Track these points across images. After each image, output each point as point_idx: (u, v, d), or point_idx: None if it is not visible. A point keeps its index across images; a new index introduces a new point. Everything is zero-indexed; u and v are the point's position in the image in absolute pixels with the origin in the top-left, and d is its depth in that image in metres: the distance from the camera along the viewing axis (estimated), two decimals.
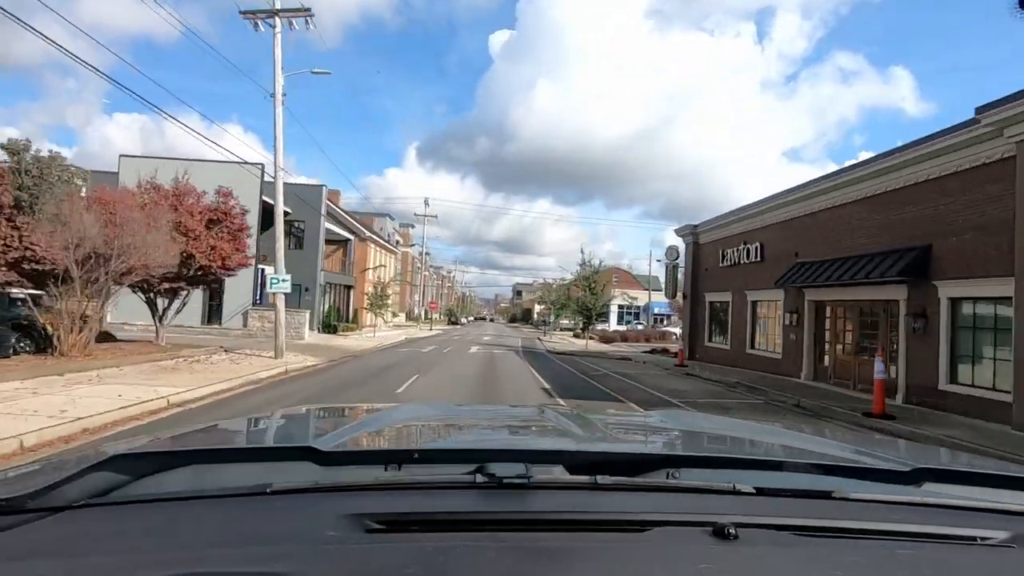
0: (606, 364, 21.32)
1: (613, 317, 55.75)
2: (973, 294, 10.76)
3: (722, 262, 21.49)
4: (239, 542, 0.83)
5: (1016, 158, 9.37)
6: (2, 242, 13.40)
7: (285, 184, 17.81)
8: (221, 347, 18.06)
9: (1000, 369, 10.15)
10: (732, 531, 0.85)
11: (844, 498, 1.05)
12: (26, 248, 13.14)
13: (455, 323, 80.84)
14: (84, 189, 17.75)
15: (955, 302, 11.22)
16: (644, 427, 1.94)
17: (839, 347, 15.32)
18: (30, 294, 13.84)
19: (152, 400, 9.00)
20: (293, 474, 1.05)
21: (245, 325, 26.59)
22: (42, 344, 13.25)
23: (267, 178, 22.57)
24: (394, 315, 52.40)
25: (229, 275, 18.40)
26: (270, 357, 16.17)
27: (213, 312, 27.33)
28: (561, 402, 11.22)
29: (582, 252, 32.95)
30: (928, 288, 11.65)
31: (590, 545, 0.84)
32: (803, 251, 16.33)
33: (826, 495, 1.06)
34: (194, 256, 16.08)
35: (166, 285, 15.95)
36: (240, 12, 16.41)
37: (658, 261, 71.71)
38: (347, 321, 35.41)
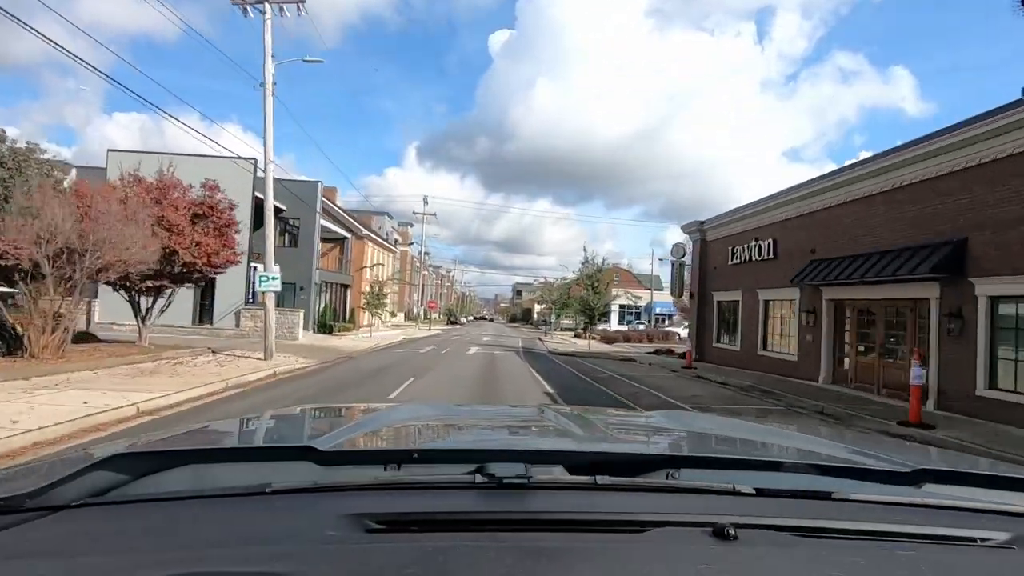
0: (610, 366, 20.52)
1: (614, 317, 54.84)
2: (1016, 292, 9.92)
3: (731, 260, 20.68)
4: (238, 542, 0.83)
5: None
6: None
7: (279, 181, 17.07)
8: (209, 348, 17.23)
9: None
10: (732, 532, 0.84)
11: (844, 499, 1.03)
12: None
13: (454, 323, 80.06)
14: (66, 182, 16.97)
15: (994, 300, 10.38)
16: (644, 427, 1.94)
17: (860, 349, 14.48)
18: (2, 292, 13.01)
19: (121, 407, 8.18)
20: (292, 474, 1.04)
21: (238, 325, 25.75)
22: (12, 346, 12.40)
23: (260, 173, 21.80)
24: (392, 315, 51.62)
25: (217, 273, 17.49)
26: (259, 359, 15.41)
27: (204, 312, 26.44)
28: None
29: (584, 250, 32.20)
30: (964, 285, 10.79)
31: (590, 545, 0.83)
32: (820, 247, 15.51)
33: (826, 496, 1.04)
34: (177, 252, 15.16)
35: (148, 283, 15.05)
36: None
37: (660, 260, 71.16)
38: (343, 321, 34.57)
